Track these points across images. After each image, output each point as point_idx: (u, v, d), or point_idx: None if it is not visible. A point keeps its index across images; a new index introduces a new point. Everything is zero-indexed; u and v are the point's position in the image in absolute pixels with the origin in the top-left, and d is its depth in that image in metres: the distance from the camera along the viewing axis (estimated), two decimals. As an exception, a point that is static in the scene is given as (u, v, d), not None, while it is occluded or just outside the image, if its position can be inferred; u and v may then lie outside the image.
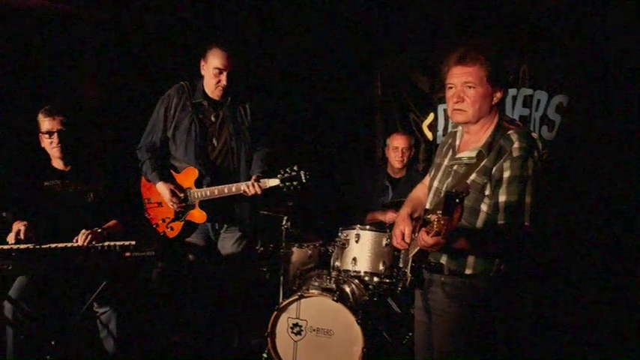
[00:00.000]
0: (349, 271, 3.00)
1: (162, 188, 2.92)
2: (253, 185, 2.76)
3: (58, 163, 2.80)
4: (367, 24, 4.15)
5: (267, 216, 3.32)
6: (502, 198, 1.80)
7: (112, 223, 2.76)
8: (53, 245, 2.47)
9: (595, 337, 3.15)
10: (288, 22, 4.04)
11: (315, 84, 4.38)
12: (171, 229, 3.00)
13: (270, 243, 3.41)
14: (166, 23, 3.73)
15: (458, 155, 1.97)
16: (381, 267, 2.93)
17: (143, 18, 3.66)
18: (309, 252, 3.32)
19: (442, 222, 1.59)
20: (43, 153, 2.77)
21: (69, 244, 2.50)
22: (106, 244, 2.54)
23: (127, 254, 2.44)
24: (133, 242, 2.52)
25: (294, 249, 3.32)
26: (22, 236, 2.48)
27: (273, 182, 2.76)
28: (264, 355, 2.87)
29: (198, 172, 2.89)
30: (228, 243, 3.02)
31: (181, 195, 2.91)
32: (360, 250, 2.97)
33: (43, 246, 2.46)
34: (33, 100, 2.95)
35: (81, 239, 2.52)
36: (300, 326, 2.80)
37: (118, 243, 2.55)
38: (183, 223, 2.97)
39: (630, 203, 3.30)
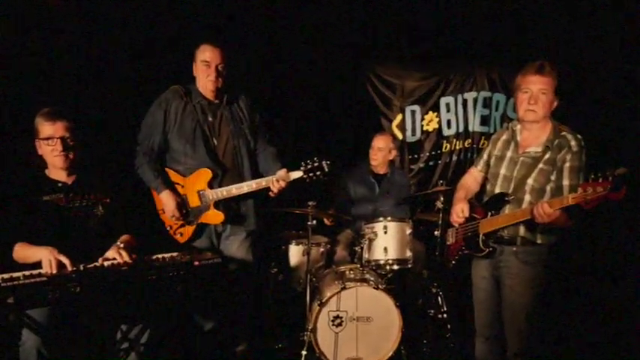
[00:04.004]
0: (380, 260, 3.18)
1: (169, 199, 2.79)
2: (278, 181, 2.74)
3: (58, 174, 2.48)
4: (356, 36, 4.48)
5: (280, 214, 3.31)
6: (566, 182, 2.24)
7: (125, 237, 2.54)
8: (98, 264, 2.23)
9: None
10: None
11: (305, 86, 4.46)
12: (181, 234, 2.88)
13: (281, 244, 3.43)
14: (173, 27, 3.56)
15: (527, 150, 2.36)
16: (408, 253, 3.20)
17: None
18: (322, 250, 3.43)
19: (599, 191, 1.88)
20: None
21: (115, 261, 2.26)
22: (159, 256, 2.39)
23: (197, 263, 2.31)
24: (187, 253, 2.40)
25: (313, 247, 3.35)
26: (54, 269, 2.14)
27: (297, 174, 2.75)
28: (304, 353, 2.88)
29: (212, 172, 2.79)
30: (233, 246, 2.92)
31: (184, 211, 2.81)
32: (389, 240, 3.18)
33: (88, 266, 2.21)
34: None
35: (122, 255, 2.29)
36: (341, 317, 2.90)
37: (166, 255, 2.41)
38: (195, 227, 2.86)
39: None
